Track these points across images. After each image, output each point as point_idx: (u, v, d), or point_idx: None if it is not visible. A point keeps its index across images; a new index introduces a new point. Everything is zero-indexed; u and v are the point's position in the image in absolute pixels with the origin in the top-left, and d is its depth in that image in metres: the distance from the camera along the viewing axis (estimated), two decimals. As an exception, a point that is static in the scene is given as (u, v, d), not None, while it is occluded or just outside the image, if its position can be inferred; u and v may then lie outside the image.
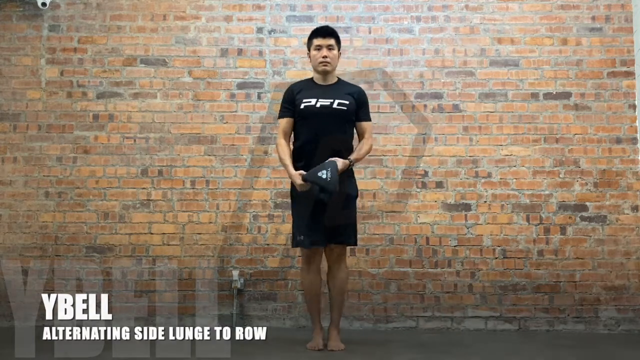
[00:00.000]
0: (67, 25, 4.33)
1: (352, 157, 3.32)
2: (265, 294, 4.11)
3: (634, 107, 4.19)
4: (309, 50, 3.45)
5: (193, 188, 4.19)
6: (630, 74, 4.20)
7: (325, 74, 3.40)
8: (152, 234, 4.16)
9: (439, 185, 4.16)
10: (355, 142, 3.43)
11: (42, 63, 4.31)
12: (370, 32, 4.32)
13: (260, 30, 4.33)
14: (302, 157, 3.33)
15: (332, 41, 3.38)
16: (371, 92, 4.24)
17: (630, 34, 4.23)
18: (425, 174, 4.17)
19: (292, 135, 3.44)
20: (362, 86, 4.22)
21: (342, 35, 4.29)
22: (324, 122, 3.31)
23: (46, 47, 4.32)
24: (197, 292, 4.10)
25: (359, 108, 3.40)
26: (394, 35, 4.31)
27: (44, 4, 4.23)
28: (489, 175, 4.16)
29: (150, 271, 4.13)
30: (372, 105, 4.20)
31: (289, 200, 4.15)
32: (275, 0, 4.34)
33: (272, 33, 4.32)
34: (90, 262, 4.14)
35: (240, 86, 4.28)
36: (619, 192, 4.12)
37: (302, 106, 3.34)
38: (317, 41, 3.38)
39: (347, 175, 3.33)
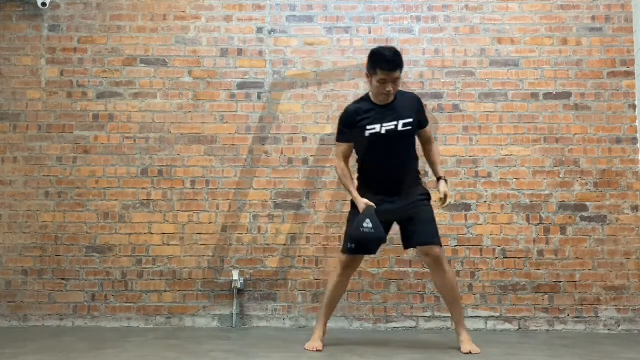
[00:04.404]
0: (67, 25, 4.33)
1: (441, 174, 3.40)
2: (265, 294, 4.11)
3: (634, 107, 4.19)
4: (369, 74, 3.23)
5: (193, 188, 4.19)
6: (630, 74, 4.20)
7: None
8: (152, 234, 4.16)
9: (439, 185, 4.15)
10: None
11: (42, 63, 4.31)
12: (370, 32, 4.32)
13: (260, 30, 4.33)
14: (369, 183, 3.29)
15: (398, 74, 3.17)
16: (371, 92, 4.24)
17: (630, 34, 4.23)
18: (426, 174, 4.17)
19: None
20: (363, 87, 4.25)
21: (342, 36, 4.33)
22: (390, 148, 3.23)
23: (46, 47, 4.32)
24: (197, 292, 4.11)
25: (420, 117, 3.30)
26: (394, 35, 4.31)
27: (44, 4, 4.23)
28: (489, 175, 4.16)
29: (150, 271, 4.13)
30: (372, 105, 4.23)
31: (289, 200, 4.17)
32: (275, 0, 4.34)
33: (272, 33, 4.33)
34: (90, 262, 4.14)
35: (240, 86, 4.28)
36: (619, 192, 4.12)
37: (366, 134, 3.22)
38: (382, 74, 3.15)
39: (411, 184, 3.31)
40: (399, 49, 3.28)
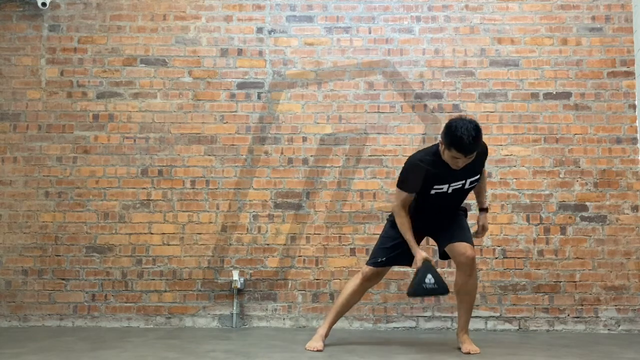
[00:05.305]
0: (67, 25, 4.33)
1: (486, 205, 3.45)
2: (265, 294, 4.11)
3: (634, 107, 4.19)
4: (443, 144, 3.04)
5: (193, 188, 4.19)
6: (630, 74, 4.20)
7: None
8: (152, 234, 4.16)
9: (439, 185, 4.15)
10: None
11: (42, 63, 4.31)
12: (370, 32, 4.32)
13: (260, 30, 4.33)
14: (417, 214, 3.23)
15: (474, 154, 3.02)
16: (371, 92, 4.25)
17: (630, 34, 4.23)
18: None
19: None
20: (363, 86, 4.26)
21: (342, 36, 4.32)
22: (451, 198, 3.22)
23: (46, 47, 4.32)
24: (197, 292, 4.11)
25: (483, 165, 3.27)
26: (394, 35, 4.31)
27: (44, 4, 4.23)
28: (489, 175, 4.15)
29: (150, 271, 4.13)
30: (372, 105, 4.23)
31: (289, 200, 4.17)
32: (275, 0, 4.34)
33: (272, 33, 4.33)
34: (90, 262, 4.14)
35: (240, 86, 4.28)
36: (619, 192, 4.12)
37: (432, 192, 3.16)
38: (457, 154, 2.99)
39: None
40: (474, 128, 2.98)
